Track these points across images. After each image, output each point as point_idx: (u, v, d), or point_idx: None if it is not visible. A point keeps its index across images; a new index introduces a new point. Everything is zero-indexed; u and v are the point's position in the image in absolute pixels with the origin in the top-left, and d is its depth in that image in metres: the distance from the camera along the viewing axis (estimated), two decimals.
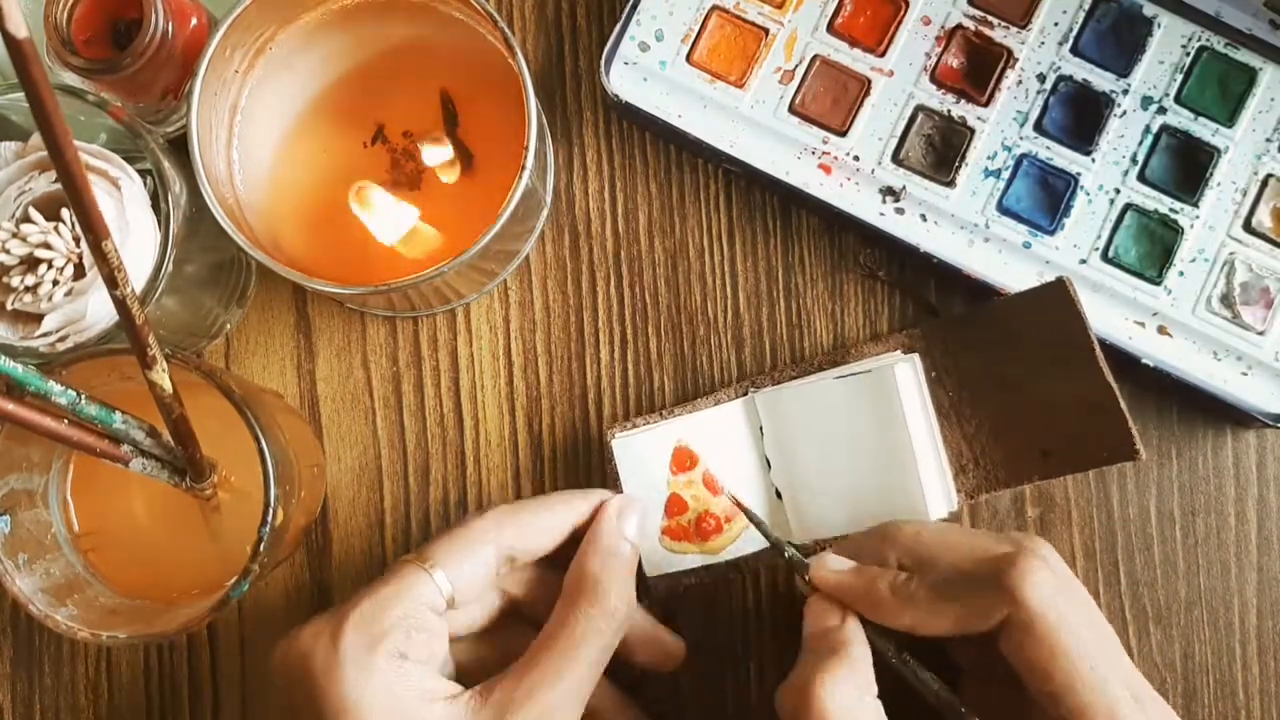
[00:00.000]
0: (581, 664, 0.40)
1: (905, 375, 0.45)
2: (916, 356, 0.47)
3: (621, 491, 0.48)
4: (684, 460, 0.48)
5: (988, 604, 0.37)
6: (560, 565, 0.44)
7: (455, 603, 0.41)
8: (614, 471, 0.48)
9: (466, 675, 0.41)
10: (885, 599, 0.39)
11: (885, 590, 0.40)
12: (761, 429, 0.48)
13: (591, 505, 0.45)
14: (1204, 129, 0.49)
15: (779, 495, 0.48)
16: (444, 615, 0.41)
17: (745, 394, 0.49)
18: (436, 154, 0.47)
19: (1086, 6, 0.49)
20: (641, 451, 0.48)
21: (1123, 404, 0.43)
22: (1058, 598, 0.37)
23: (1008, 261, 0.49)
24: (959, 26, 0.50)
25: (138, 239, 0.44)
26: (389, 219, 0.47)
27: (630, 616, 0.42)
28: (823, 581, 0.41)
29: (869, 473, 0.46)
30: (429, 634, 0.40)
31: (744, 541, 0.47)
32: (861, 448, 0.46)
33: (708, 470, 0.48)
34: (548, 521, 0.44)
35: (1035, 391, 0.46)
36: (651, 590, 0.47)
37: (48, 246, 0.44)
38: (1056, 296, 0.45)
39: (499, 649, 0.44)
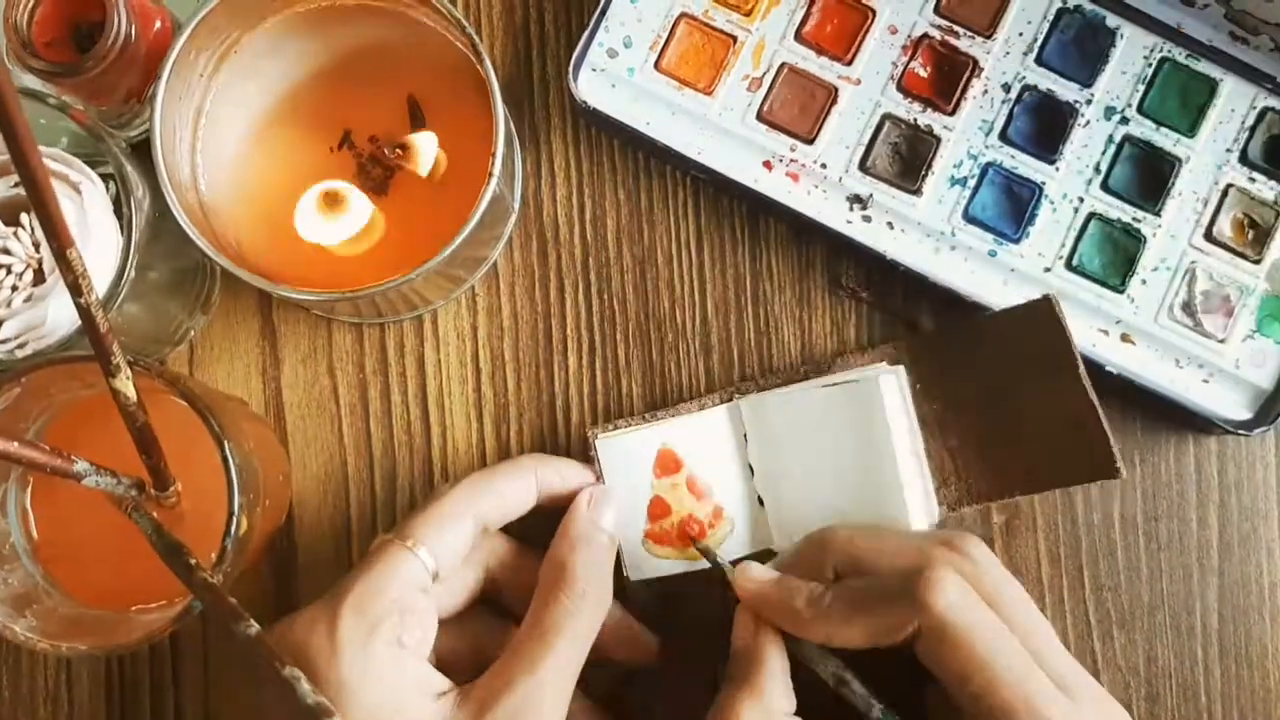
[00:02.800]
0: (559, 650, 0.40)
1: (890, 387, 0.46)
2: (902, 369, 0.47)
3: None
4: (668, 463, 0.48)
5: (899, 616, 0.38)
6: (540, 546, 0.45)
7: (439, 577, 0.42)
8: (597, 471, 0.48)
9: (442, 665, 0.42)
10: (800, 612, 0.40)
11: (801, 603, 0.40)
12: (746, 436, 0.48)
13: (561, 476, 0.46)
14: (1166, 139, 0.49)
15: (761, 503, 0.48)
16: (430, 593, 0.42)
17: (730, 400, 0.49)
18: (421, 162, 0.47)
19: (1051, 17, 0.50)
20: (625, 453, 0.48)
21: (1105, 422, 0.44)
22: (966, 604, 0.38)
23: (974, 269, 0.49)
24: (925, 36, 0.50)
25: (99, 244, 0.44)
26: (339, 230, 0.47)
27: (606, 602, 0.43)
28: (743, 591, 0.42)
29: (851, 482, 0.46)
30: (419, 615, 0.40)
31: (727, 547, 0.47)
32: (844, 457, 0.46)
33: (691, 474, 0.48)
34: (518, 487, 0.45)
35: (1019, 407, 0.46)
36: (631, 595, 0.47)
37: (7, 252, 0.43)
38: (1042, 314, 0.45)
39: (472, 640, 0.44)
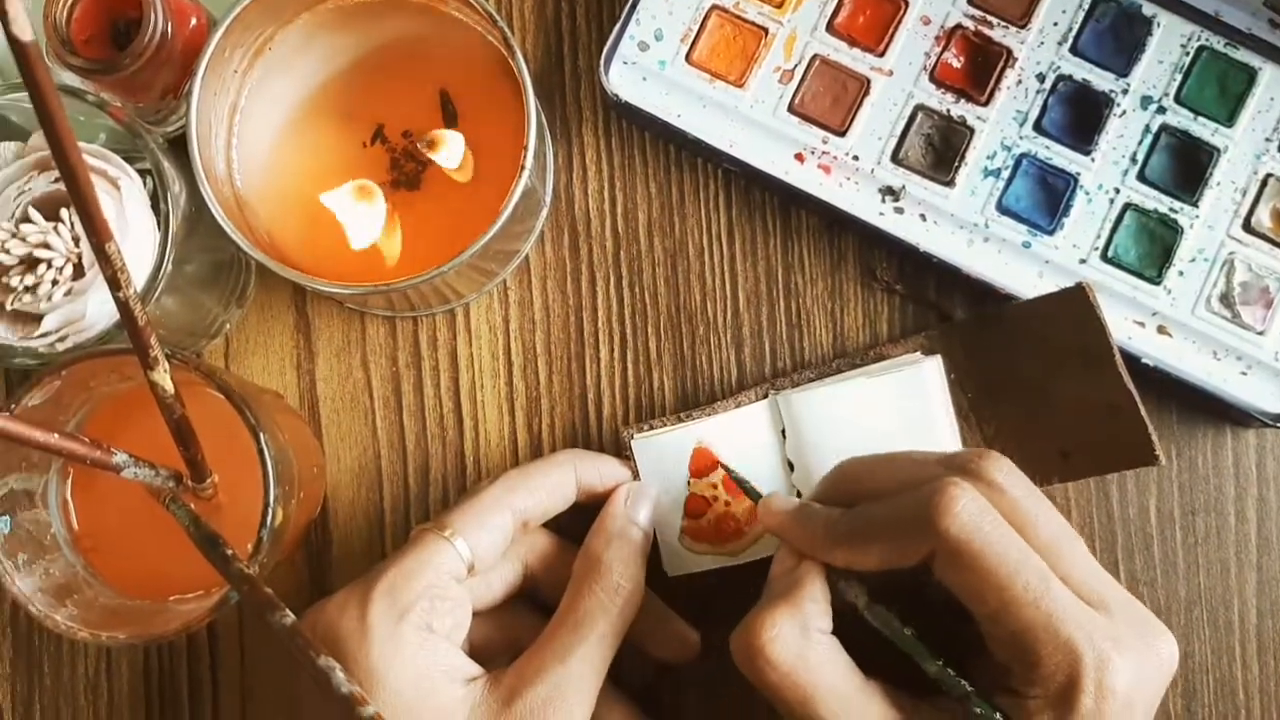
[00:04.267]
0: (590, 642, 0.41)
1: (933, 374, 0.45)
2: (939, 357, 0.47)
3: None
4: (704, 462, 0.48)
5: (911, 540, 0.37)
6: (578, 541, 0.45)
7: (475, 570, 0.42)
8: (634, 471, 0.48)
9: (475, 655, 0.42)
10: (819, 537, 0.40)
11: (819, 529, 0.40)
12: (784, 432, 0.48)
13: (600, 473, 0.46)
14: (1203, 128, 0.49)
15: (800, 498, 0.48)
16: (465, 584, 0.42)
17: (766, 396, 0.49)
18: (447, 155, 0.47)
19: (1086, 6, 0.49)
20: (661, 452, 0.48)
21: (1142, 409, 0.43)
22: (980, 523, 0.36)
23: (1007, 261, 0.49)
24: (958, 26, 0.50)
25: (137, 239, 0.44)
26: (361, 220, 0.47)
27: (638, 596, 0.43)
28: (766, 525, 0.42)
29: None
30: (453, 603, 0.41)
31: (765, 545, 0.47)
32: (888, 448, 0.46)
33: (728, 472, 0.47)
34: (557, 482, 0.45)
35: (1055, 394, 0.46)
36: (673, 590, 0.47)
37: (47, 246, 0.44)
38: (1077, 302, 0.44)
39: (507, 631, 0.45)
